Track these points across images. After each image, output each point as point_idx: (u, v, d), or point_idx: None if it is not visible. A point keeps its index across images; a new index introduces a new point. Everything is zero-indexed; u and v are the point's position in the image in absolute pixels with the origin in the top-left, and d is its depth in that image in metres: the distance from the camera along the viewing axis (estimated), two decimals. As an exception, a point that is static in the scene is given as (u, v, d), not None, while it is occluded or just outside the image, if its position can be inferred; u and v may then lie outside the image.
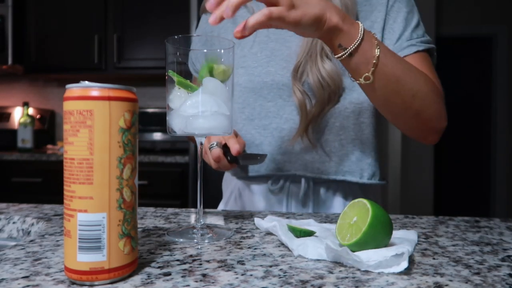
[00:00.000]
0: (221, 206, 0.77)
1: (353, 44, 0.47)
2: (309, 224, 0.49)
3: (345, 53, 0.48)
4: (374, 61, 0.48)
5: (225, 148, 0.58)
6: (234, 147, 0.55)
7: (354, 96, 0.64)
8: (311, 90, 0.63)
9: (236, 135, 0.60)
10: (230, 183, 0.76)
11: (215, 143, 0.57)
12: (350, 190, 0.68)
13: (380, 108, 0.57)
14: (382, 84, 0.50)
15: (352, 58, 0.48)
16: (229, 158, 0.57)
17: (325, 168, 0.66)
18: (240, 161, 0.57)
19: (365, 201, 0.38)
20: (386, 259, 0.33)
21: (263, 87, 0.67)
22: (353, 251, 0.35)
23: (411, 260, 0.37)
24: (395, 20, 0.64)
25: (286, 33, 0.65)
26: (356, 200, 0.40)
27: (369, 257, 0.34)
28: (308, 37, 0.51)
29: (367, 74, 0.49)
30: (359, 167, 0.66)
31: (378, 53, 0.48)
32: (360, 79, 0.50)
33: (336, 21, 0.46)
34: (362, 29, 0.48)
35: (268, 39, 0.67)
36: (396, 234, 0.44)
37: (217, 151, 0.56)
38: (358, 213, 0.38)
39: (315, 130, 0.65)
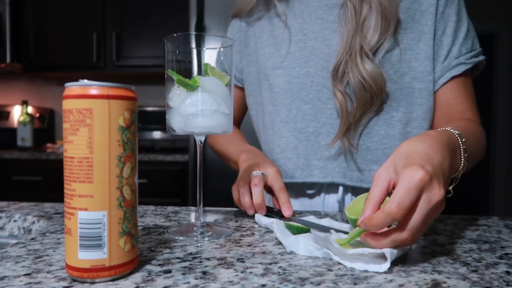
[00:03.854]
0: None
1: (456, 175, 0.44)
2: (309, 221, 0.49)
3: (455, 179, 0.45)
4: (460, 166, 0.45)
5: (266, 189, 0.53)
6: (288, 208, 0.52)
7: (403, 104, 0.61)
8: (352, 91, 0.60)
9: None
10: None
11: (260, 173, 0.54)
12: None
13: None
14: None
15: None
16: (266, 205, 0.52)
17: (365, 177, 0.62)
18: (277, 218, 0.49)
19: None
20: (364, 254, 0.34)
21: (302, 88, 0.63)
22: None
23: (409, 258, 0.37)
24: (444, 31, 0.61)
25: (325, 31, 0.63)
26: (362, 195, 0.43)
27: (349, 248, 0.35)
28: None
29: (448, 189, 0.44)
30: None
31: (461, 173, 0.45)
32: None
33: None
34: (462, 158, 0.44)
35: (307, 38, 0.64)
36: None
37: (260, 180, 0.53)
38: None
39: (356, 136, 0.61)
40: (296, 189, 0.67)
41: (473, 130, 0.55)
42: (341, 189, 0.63)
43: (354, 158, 0.62)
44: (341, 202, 0.64)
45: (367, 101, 0.59)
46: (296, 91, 0.64)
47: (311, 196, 0.66)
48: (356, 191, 0.64)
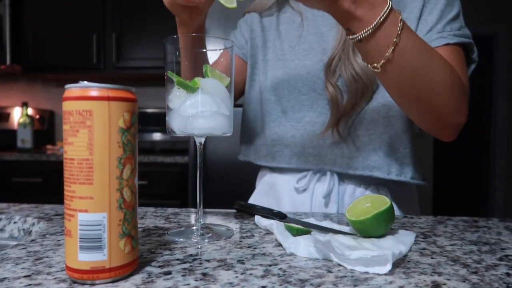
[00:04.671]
0: (251, 199, 0.77)
1: (362, 32, 0.43)
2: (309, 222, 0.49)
3: (354, 39, 0.45)
4: (386, 54, 0.44)
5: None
6: None
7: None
8: (345, 85, 0.63)
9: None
10: (261, 177, 0.76)
11: None
12: (378, 193, 0.65)
13: (394, 98, 0.53)
14: (394, 74, 0.47)
15: (362, 44, 0.45)
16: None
17: (353, 163, 0.64)
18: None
19: (384, 196, 0.44)
20: (367, 258, 0.33)
21: (298, 80, 0.67)
22: (357, 228, 0.42)
23: (409, 259, 0.37)
24: (430, 12, 0.60)
25: (324, 28, 0.66)
26: (362, 197, 0.45)
27: (351, 252, 0.34)
28: (315, 8, 0.46)
29: (375, 64, 0.46)
30: (387, 163, 0.63)
31: (393, 47, 0.44)
32: (368, 65, 0.47)
33: (347, 6, 0.42)
34: (383, 17, 0.43)
35: (308, 33, 0.68)
36: (394, 234, 0.44)
37: None
38: (372, 202, 0.43)
39: (347, 125, 0.64)
40: (288, 185, 0.68)
41: (440, 58, 0.49)
42: (328, 174, 0.65)
43: (345, 146, 0.65)
44: (327, 198, 0.65)
45: (358, 94, 0.62)
46: (293, 82, 0.67)
47: (301, 192, 0.68)
48: (343, 177, 0.66)
